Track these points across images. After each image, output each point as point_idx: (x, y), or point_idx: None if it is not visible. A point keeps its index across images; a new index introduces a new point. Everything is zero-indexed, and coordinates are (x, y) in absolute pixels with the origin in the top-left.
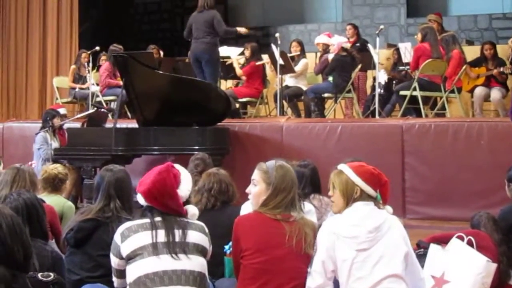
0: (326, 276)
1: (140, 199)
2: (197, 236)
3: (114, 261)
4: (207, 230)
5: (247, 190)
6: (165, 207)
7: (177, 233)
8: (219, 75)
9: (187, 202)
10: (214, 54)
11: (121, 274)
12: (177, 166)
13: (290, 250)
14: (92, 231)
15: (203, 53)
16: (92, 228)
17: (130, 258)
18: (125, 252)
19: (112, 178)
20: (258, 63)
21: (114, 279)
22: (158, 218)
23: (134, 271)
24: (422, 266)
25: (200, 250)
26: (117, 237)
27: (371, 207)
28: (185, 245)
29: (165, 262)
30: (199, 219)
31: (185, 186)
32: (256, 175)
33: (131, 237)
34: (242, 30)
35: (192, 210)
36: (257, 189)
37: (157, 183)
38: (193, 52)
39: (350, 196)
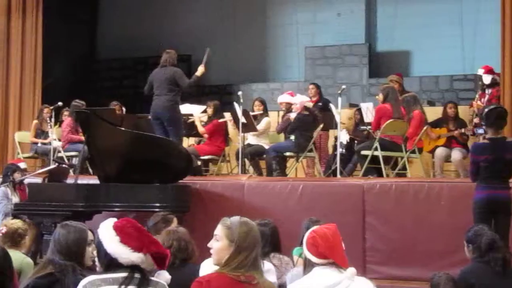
0: None
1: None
2: None
3: None
4: None
5: (209, 245)
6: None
7: None
8: (182, 133)
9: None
10: (175, 112)
11: None
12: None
13: None
14: (47, 287)
15: (164, 112)
16: (48, 284)
17: None
18: None
19: (66, 236)
20: (221, 120)
21: None
22: (123, 274)
23: None
24: None
25: None
26: None
27: (327, 270)
28: None
29: None
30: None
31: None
32: (219, 230)
33: None
34: (200, 72)
35: (165, 275)
36: (219, 244)
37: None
38: (153, 109)
39: (306, 262)
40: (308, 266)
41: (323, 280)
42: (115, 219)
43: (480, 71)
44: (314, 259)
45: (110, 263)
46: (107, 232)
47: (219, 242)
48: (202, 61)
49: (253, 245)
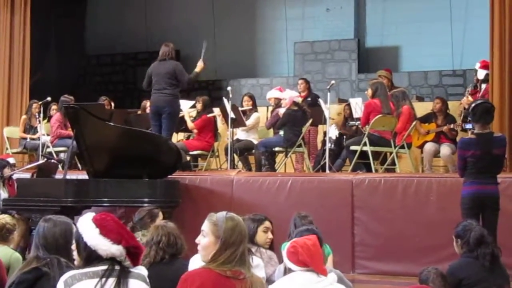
0: None
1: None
2: (139, 285)
3: None
4: (147, 280)
5: (196, 240)
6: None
7: (121, 282)
8: (174, 128)
9: None
10: (175, 106)
11: None
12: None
13: None
14: (33, 282)
15: (164, 106)
16: (34, 279)
17: None
18: None
19: (52, 230)
20: (210, 115)
21: None
22: (102, 267)
23: None
24: None
25: None
26: (60, 285)
27: (306, 274)
28: None
29: None
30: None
31: None
32: (206, 226)
33: (74, 285)
34: (199, 68)
35: (144, 271)
36: (205, 240)
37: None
38: (153, 104)
39: (286, 270)
40: (288, 273)
41: (303, 280)
42: (93, 213)
43: (477, 65)
44: (294, 267)
45: (90, 256)
46: (86, 225)
47: (205, 238)
48: (201, 56)
49: (239, 241)
